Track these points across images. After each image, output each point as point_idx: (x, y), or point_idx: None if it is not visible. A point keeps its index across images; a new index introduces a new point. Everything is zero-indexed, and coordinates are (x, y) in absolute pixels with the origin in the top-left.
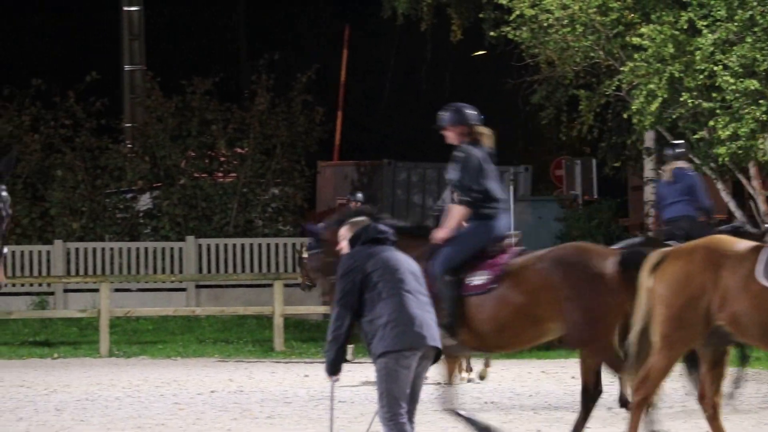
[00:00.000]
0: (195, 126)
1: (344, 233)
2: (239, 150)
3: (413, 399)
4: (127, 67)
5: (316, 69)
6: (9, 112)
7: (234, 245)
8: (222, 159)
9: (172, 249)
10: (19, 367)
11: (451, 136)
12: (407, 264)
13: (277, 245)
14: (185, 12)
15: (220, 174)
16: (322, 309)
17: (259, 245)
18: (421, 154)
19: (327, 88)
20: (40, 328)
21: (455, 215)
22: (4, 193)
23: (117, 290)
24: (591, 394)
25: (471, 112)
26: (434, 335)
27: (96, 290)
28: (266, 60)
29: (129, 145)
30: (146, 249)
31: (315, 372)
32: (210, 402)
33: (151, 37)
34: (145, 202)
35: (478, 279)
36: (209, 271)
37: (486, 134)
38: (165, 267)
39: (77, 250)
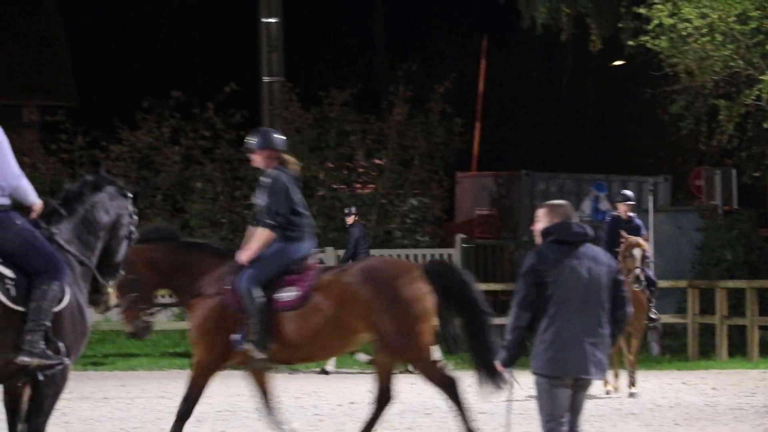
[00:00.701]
0: (333, 137)
1: (541, 216)
2: (377, 161)
3: (574, 411)
4: (265, 79)
5: (453, 79)
6: (149, 124)
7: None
8: (360, 170)
9: None
10: (160, 378)
11: (258, 160)
12: (591, 277)
13: (416, 256)
14: (323, 23)
15: (359, 185)
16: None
17: (398, 256)
18: (559, 164)
19: (465, 99)
20: (180, 339)
21: (259, 238)
22: (135, 217)
23: None
24: (383, 399)
25: (278, 137)
26: (585, 366)
27: None
28: (404, 71)
29: None
30: None
31: None
32: (350, 413)
33: (289, 48)
34: None
35: (287, 294)
36: None
37: (291, 161)
38: None
39: None
